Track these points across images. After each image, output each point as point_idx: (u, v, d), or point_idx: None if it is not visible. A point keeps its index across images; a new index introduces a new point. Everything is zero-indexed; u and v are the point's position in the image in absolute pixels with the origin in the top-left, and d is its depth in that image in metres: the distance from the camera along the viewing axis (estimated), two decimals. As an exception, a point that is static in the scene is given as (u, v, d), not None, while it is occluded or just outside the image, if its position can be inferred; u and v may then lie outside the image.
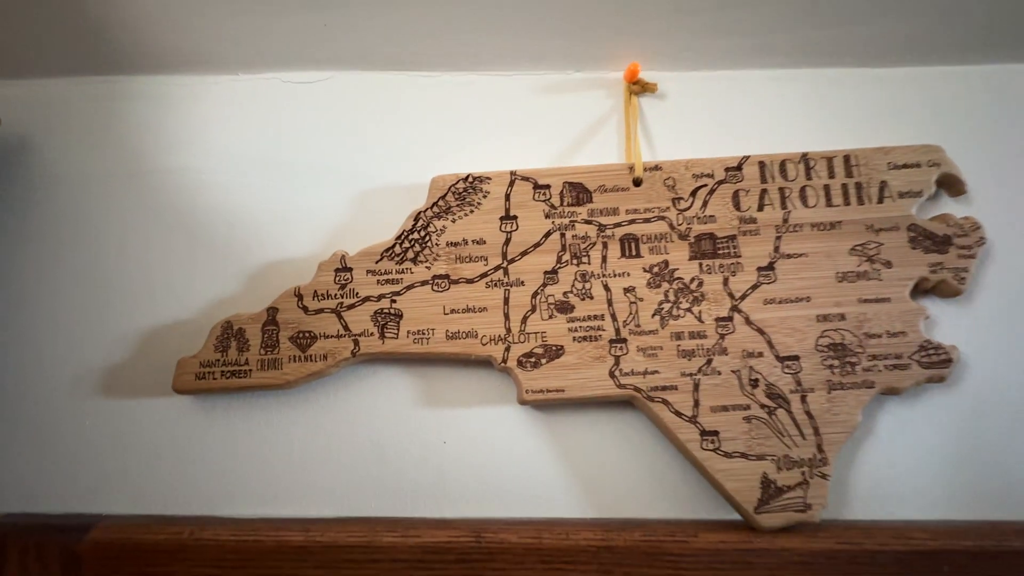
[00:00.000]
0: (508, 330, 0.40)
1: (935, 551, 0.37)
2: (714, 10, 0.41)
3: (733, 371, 0.39)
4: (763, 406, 0.39)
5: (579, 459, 0.41)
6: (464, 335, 0.40)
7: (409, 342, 0.40)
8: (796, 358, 0.39)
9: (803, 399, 0.39)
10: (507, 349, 0.40)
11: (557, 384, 0.40)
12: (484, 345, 0.40)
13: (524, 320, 0.40)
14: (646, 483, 0.40)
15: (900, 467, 0.40)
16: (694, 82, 0.45)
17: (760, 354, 0.40)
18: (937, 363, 0.39)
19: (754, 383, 0.39)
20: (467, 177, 0.42)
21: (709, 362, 0.40)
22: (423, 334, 0.40)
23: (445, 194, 0.42)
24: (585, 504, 0.40)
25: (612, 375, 0.40)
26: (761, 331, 0.40)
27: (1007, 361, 0.41)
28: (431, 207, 0.42)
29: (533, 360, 0.40)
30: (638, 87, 0.44)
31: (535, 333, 0.40)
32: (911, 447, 0.40)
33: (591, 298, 0.41)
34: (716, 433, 0.39)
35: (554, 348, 0.40)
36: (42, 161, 0.44)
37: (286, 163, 0.44)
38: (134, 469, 0.41)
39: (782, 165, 0.42)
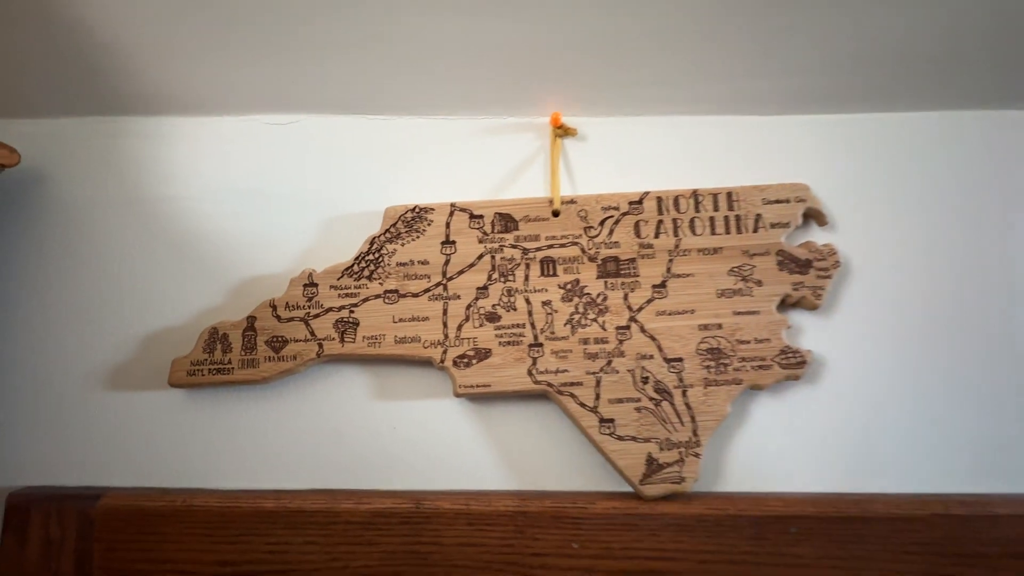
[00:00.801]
0: (446, 336, 0.48)
1: (785, 516, 0.46)
2: (628, 66, 0.49)
3: (629, 370, 0.48)
4: (651, 399, 0.47)
5: (503, 442, 0.49)
6: (410, 340, 0.48)
7: (364, 345, 0.48)
8: (680, 360, 0.48)
9: (684, 393, 0.47)
10: (445, 352, 0.48)
11: (485, 380, 0.48)
12: (426, 348, 0.48)
13: (459, 328, 0.48)
14: (557, 461, 0.49)
15: (769, 450, 0.49)
16: (608, 126, 0.53)
17: (651, 356, 0.48)
18: (794, 364, 0.48)
19: (645, 380, 0.48)
20: (414, 208, 0.50)
21: (609, 363, 0.48)
22: (376, 339, 0.48)
23: (396, 222, 0.50)
24: (507, 478, 0.49)
25: (530, 373, 0.48)
26: (653, 338, 0.48)
27: (860, 362, 0.49)
28: (384, 233, 0.50)
29: (466, 361, 0.48)
30: (561, 131, 0.52)
31: (468, 338, 0.48)
32: (779, 434, 0.49)
33: (515, 310, 0.49)
34: (612, 420, 0.47)
35: (483, 351, 0.48)
36: (57, 191, 0.52)
37: (263, 193, 0.52)
38: (135, 449, 0.49)
39: (675, 200, 0.50)
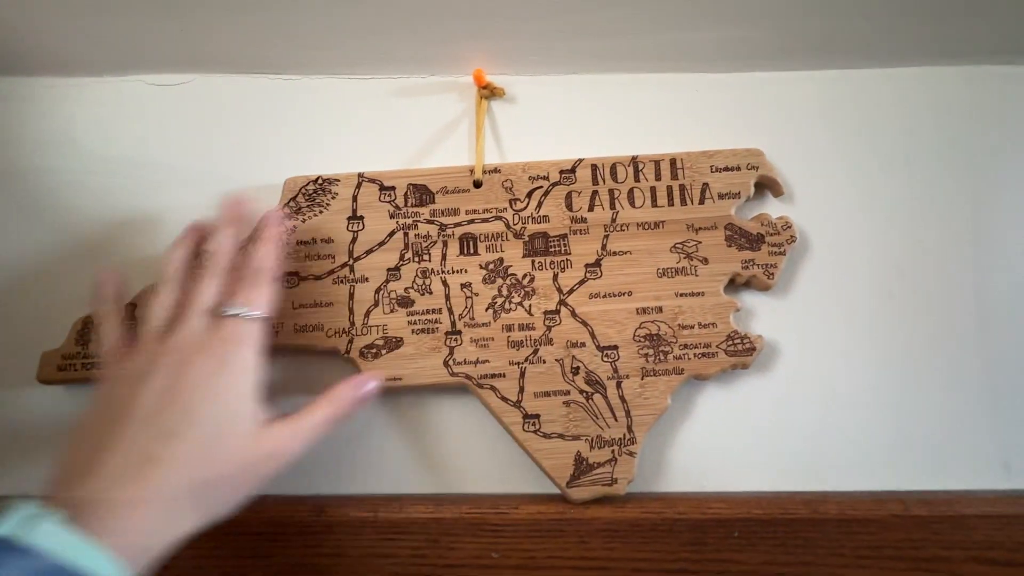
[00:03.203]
0: (352, 323, 0.43)
1: (728, 519, 0.41)
2: (557, 14, 0.43)
3: (557, 360, 0.43)
4: (581, 391, 0.43)
5: (419, 440, 0.44)
6: (312, 328, 0.43)
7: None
8: (615, 348, 0.43)
9: (619, 385, 0.43)
10: (350, 341, 0.43)
11: (395, 373, 0.43)
12: (329, 337, 0.43)
13: (367, 314, 0.43)
14: (479, 460, 0.44)
15: (714, 445, 0.44)
16: (540, 86, 0.47)
17: (583, 344, 0.43)
18: (742, 351, 0.43)
19: (575, 371, 0.43)
20: (317, 179, 0.44)
21: (536, 352, 0.43)
22: (273, 328, 0.42)
23: (296, 195, 0.44)
24: (423, 481, 0.44)
25: (446, 364, 0.43)
26: (585, 323, 0.43)
27: (816, 349, 0.45)
28: (283, 208, 0.44)
29: (374, 351, 0.43)
30: (487, 91, 0.47)
31: (377, 326, 0.43)
32: (724, 429, 0.44)
33: (430, 293, 0.44)
34: (538, 416, 0.42)
35: (394, 340, 0.43)
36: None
37: (148, 164, 0.46)
38: (2, 454, 0.44)
39: (612, 168, 0.45)
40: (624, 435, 0.42)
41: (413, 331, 0.43)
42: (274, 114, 0.47)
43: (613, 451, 0.42)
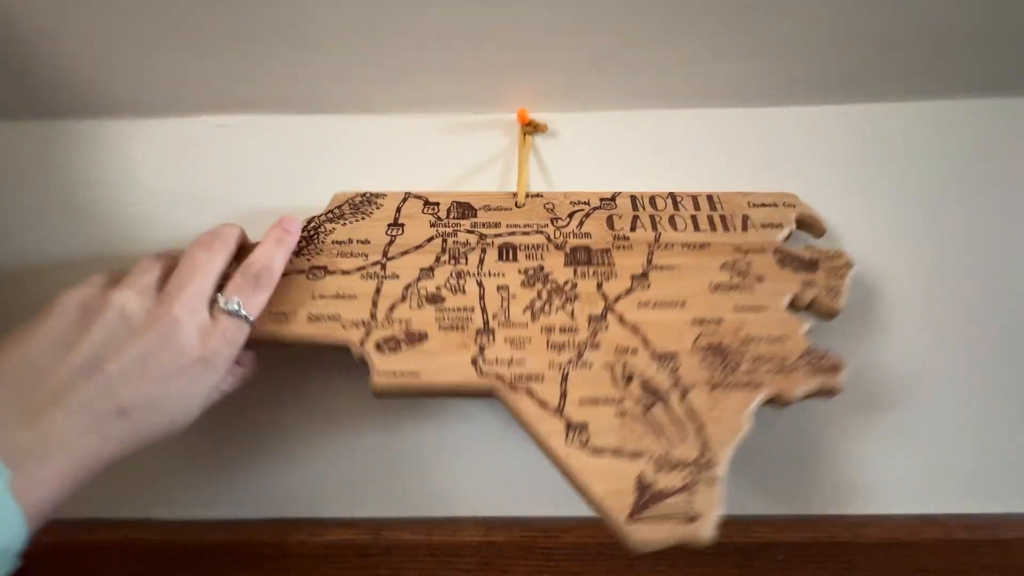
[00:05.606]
0: (373, 316, 0.40)
1: (772, 543, 0.42)
2: (594, 55, 0.45)
3: (606, 365, 0.38)
4: (638, 401, 0.37)
5: (467, 462, 0.45)
6: (327, 318, 0.39)
7: (268, 322, 0.39)
8: (674, 355, 0.38)
9: (683, 396, 0.37)
10: (367, 333, 0.39)
11: (413, 367, 0.38)
12: (344, 328, 0.39)
13: (392, 308, 0.40)
14: (527, 483, 0.44)
15: (755, 467, 0.45)
16: (578, 122, 0.49)
17: (635, 351, 0.39)
18: (827, 368, 0.38)
19: (628, 379, 0.38)
20: (364, 193, 0.45)
21: (580, 355, 0.38)
22: (284, 315, 0.39)
23: (341, 205, 0.45)
24: (474, 503, 0.44)
25: (475, 363, 0.38)
26: (636, 329, 0.39)
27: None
28: (325, 214, 0.44)
29: (392, 344, 0.39)
30: (530, 127, 0.49)
31: (400, 320, 0.40)
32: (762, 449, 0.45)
33: (463, 292, 0.40)
34: (585, 426, 0.36)
35: (417, 334, 0.39)
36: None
37: (205, 199, 0.48)
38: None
39: (652, 199, 0.45)
40: (699, 455, 0.35)
41: (440, 327, 0.39)
42: (325, 151, 0.49)
43: (687, 476, 0.35)
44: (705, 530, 0.34)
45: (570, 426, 0.36)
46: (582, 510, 0.43)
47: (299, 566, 0.42)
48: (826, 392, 0.38)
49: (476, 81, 0.47)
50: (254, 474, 0.45)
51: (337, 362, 0.41)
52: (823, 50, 0.45)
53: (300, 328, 0.39)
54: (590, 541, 0.42)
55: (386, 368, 0.38)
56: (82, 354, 0.33)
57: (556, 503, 0.44)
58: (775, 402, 0.38)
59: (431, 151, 0.49)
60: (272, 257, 0.39)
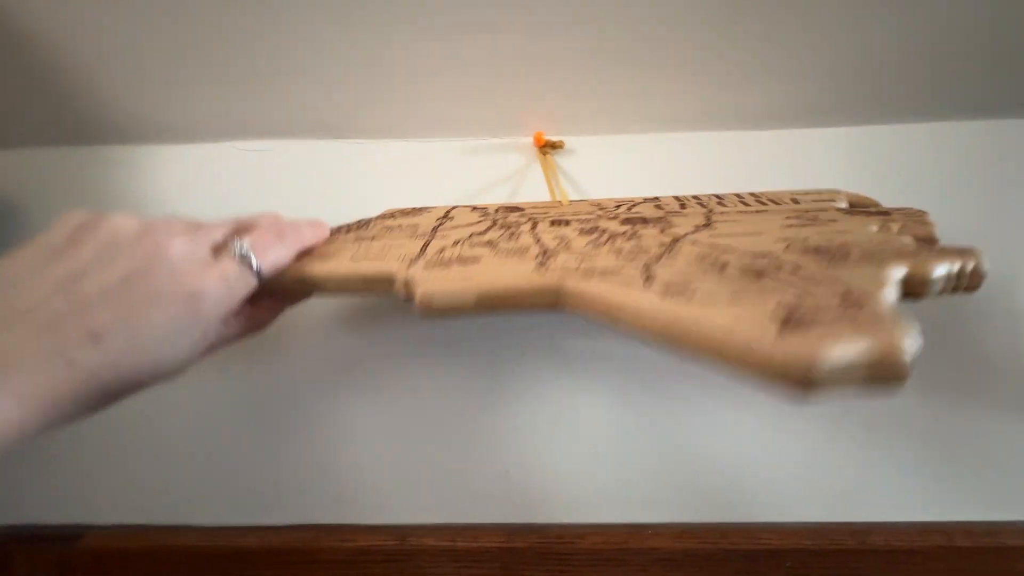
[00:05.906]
0: (423, 251, 0.38)
1: (779, 550, 0.44)
2: (605, 81, 0.47)
3: (697, 256, 0.34)
4: (745, 271, 0.31)
5: (486, 472, 0.47)
6: (372, 257, 0.38)
7: (313, 260, 0.38)
8: (770, 253, 0.33)
9: (795, 270, 0.31)
10: (412, 263, 0.36)
11: (461, 284, 0.34)
12: (389, 264, 0.37)
13: (443, 250, 0.38)
14: (546, 490, 0.46)
15: (761, 476, 0.47)
16: (592, 147, 0.51)
17: (727, 249, 0.34)
18: (961, 251, 0.33)
19: (723, 266, 0.32)
20: (413, 208, 0.46)
21: (661, 257, 0.34)
22: (327, 255, 0.38)
23: (394, 212, 0.46)
24: (493, 511, 0.47)
25: (538, 266, 0.35)
26: (718, 245, 0.35)
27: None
28: (377, 216, 0.45)
29: (442, 265, 0.36)
30: (548, 147, 0.51)
31: (453, 252, 0.38)
32: (768, 458, 0.47)
33: (517, 239, 0.39)
34: (686, 284, 0.30)
35: (470, 258, 0.36)
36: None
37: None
38: (117, 483, 0.48)
39: (694, 196, 0.45)
40: (844, 295, 0.27)
41: (495, 255, 0.37)
42: (351, 175, 0.51)
43: (836, 309, 0.26)
44: (905, 339, 0.24)
45: (668, 289, 0.30)
46: (596, 517, 0.46)
47: (328, 571, 0.45)
48: (969, 276, 0.31)
49: (494, 107, 0.49)
50: (286, 481, 0.48)
51: (365, 373, 0.43)
52: (832, 76, 0.47)
53: (344, 267, 0.37)
54: (604, 547, 0.44)
55: (432, 287, 0.34)
56: (64, 268, 0.30)
57: (571, 511, 0.47)
58: (909, 292, 0.30)
59: (453, 174, 0.51)
60: (303, 224, 0.38)
